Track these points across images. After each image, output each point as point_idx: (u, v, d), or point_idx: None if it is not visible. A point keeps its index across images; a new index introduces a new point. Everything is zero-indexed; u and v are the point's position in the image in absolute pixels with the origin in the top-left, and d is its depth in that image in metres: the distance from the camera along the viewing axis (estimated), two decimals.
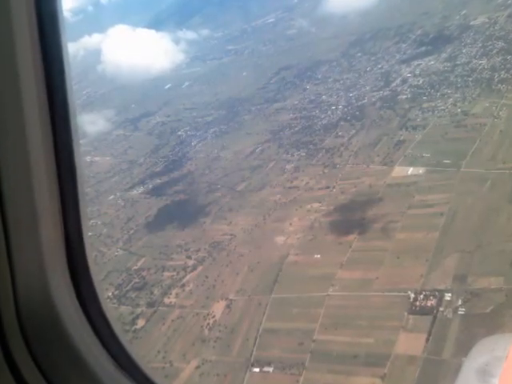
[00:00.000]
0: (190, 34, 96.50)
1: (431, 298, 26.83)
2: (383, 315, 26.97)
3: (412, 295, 27.35)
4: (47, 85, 1.98)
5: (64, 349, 2.12)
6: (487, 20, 57.62)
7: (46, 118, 2.00)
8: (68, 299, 2.15)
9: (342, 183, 39.57)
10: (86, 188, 40.26)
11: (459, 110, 44.21)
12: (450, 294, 26.61)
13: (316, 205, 37.64)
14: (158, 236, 39.77)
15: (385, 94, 51.62)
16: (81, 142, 2.23)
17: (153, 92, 72.25)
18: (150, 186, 47.69)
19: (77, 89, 69.46)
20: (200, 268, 34.83)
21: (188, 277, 34.39)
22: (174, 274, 34.84)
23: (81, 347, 2.14)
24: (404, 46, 61.53)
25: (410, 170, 38.36)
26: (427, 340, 24.76)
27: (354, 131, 46.44)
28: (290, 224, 36.57)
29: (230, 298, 31.44)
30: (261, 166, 45.77)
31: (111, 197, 47.06)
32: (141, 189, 47.65)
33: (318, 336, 27.15)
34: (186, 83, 73.94)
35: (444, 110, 45.09)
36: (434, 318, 25.82)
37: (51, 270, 2.08)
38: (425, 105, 46.98)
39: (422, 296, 27.16)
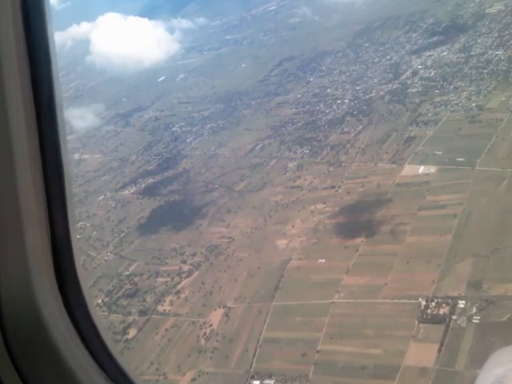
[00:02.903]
0: (185, 23, 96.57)
1: (444, 305, 26.82)
2: (392, 324, 26.97)
3: (423, 303, 27.34)
4: (32, 77, 1.98)
5: (51, 360, 2.12)
6: (504, 8, 57.63)
7: (31, 112, 1.99)
8: (55, 307, 2.15)
9: (347, 183, 39.57)
10: (74, 188, 39.93)
11: (474, 104, 44.21)
12: (463, 302, 26.60)
13: (320, 206, 37.64)
14: (151, 239, 39.76)
15: (394, 86, 51.61)
16: (68, 138, 2.22)
17: (145, 85, 72.24)
18: (143, 186, 47.69)
19: (64, 81, 69.51)
20: (196, 273, 34.83)
21: (183, 283, 34.38)
22: (169, 279, 34.84)
23: (68, 358, 2.14)
24: (415, 35, 61.53)
25: (421, 169, 38.35)
26: (439, 350, 24.74)
27: (360, 127, 46.44)
28: (293, 226, 36.56)
29: (229, 305, 31.44)
30: (261, 164, 45.77)
31: (101, 197, 47.06)
32: (133, 188, 47.65)
33: (322, 346, 27.15)
34: (181, 75, 73.94)
35: (457, 104, 45.09)
36: (447, 326, 25.81)
37: (37, 275, 2.08)
38: (437, 98, 46.98)
39: (433, 304, 27.15)
